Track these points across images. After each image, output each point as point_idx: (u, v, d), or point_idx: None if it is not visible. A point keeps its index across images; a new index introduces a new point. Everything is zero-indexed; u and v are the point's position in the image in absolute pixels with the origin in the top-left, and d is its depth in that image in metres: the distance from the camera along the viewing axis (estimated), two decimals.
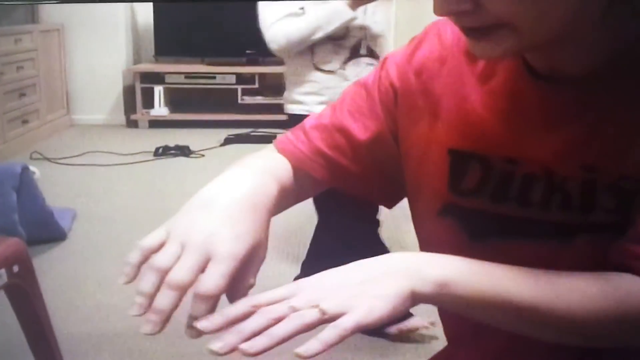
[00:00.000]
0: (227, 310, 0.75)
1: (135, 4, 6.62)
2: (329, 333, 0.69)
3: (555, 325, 0.80)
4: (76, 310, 2.76)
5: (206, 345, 0.69)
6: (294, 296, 0.74)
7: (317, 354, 0.68)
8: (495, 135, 0.92)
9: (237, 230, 0.81)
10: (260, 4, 2.60)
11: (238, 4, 6.32)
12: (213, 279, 0.76)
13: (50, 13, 6.31)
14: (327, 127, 1.04)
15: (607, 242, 0.84)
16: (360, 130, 1.03)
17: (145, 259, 0.80)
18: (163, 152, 5.26)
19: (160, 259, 0.78)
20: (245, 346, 0.69)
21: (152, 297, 0.75)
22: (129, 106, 6.52)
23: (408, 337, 2.52)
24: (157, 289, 0.76)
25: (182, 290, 0.75)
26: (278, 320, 0.71)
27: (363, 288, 0.74)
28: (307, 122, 1.07)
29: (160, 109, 6.32)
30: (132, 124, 6.45)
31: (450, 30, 0.99)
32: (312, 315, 0.71)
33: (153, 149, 5.32)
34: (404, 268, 0.78)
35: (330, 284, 0.76)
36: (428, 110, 0.99)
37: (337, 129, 1.04)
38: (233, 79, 6.24)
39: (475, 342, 1.02)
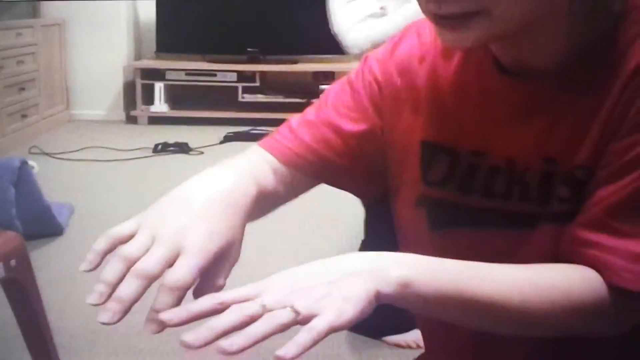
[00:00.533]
0: (192, 305, 0.73)
1: (138, 0, 6.61)
2: (304, 336, 0.69)
3: (513, 319, 0.81)
4: (71, 305, 2.75)
5: (180, 338, 0.67)
6: (262, 294, 0.73)
7: (295, 357, 0.67)
8: (463, 128, 0.95)
9: (211, 227, 0.80)
10: (333, 7, 2.43)
11: (241, 1, 6.33)
12: (181, 271, 0.75)
13: (51, 8, 6.30)
14: (314, 122, 1.04)
15: (563, 233, 0.86)
16: (348, 124, 1.03)
17: (111, 247, 0.78)
18: (162, 148, 5.26)
19: (129, 249, 0.76)
20: (224, 344, 0.68)
21: (114, 286, 0.73)
22: (129, 102, 6.51)
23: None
24: (121, 278, 0.74)
25: (148, 280, 0.74)
26: (251, 318, 0.70)
27: (331, 289, 0.73)
28: (292, 121, 1.06)
29: (160, 106, 6.31)
30: (131, 120, 6.44)
31: (429, 30, 1.02)
32: (286, 316, 0.70)
33: (152, 146, 5.31)
34: (368, 269, 0.77)
35: (299, 284, 0.74)
36: (410, 103, 1.01)
37: (324, 124, 1.03)
38: (234, 76, 6.22)
39: (445, 333, 1.02)
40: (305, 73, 6.43)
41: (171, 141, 5.36)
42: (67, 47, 6.39)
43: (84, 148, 5.32)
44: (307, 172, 1.03)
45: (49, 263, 3.12)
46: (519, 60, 0.90)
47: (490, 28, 0.81)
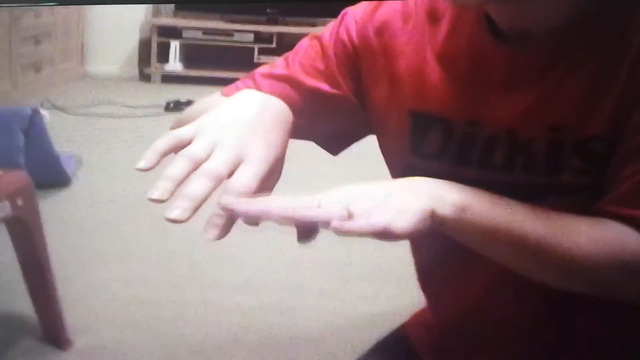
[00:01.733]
0: (257, 201, 0.73)
1: None
2: (362, 220, 0.70)
3: (558, 265, 0.80)
4: (75, 254, 2.76)
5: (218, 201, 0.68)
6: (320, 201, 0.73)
7: (350, 232, 0.68)
8: (457, 98, 0.91)
9: (268, 139, 0.80)
10: None
11: None
12: (247, 177, 0.74)
13: None
14: (278, 77, 1.01)
15: (577, 204, 0.84)
16: (311, 83, 1.00)
17: (171, 149, 0.76)
18: (174, 106, 5.22)
19: (194, 149, 0.75)
20: (275, 212, 0.69)
21: (179, 184, 0.71)
22: (144, 60, 6.48)
23: None
24: (186, 177, 0.72)
25: (216, 182, 0.72)
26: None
27: (388, 200, 0.73)
28: (257, 71, 1.04)
29: (174, 64, 6.28)
30: (144, 77, 6.41)
31: None
32: (337, 210, 0.70)
33: (164, 104, 5.29)
34: (427, 189, 0.77)
35: (354, 195, 0.74)
36: (388, 70, 0.97)
37: (288, 81, 1.00)
38: (251, 37, 6.17)
39: (449, 295, 1.02)
40: None
41: (183, 99, 5.33)
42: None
43: (96, 104, 5.30)
44: None
45: (55, 212, 3.10)
46: (518, 23, 0.86)
47: None
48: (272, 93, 0.97)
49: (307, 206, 0.71)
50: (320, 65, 1.00)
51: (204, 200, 0.71)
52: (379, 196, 0.74)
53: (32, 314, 2.12)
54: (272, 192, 0.81)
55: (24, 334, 2.16)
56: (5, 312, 2.30)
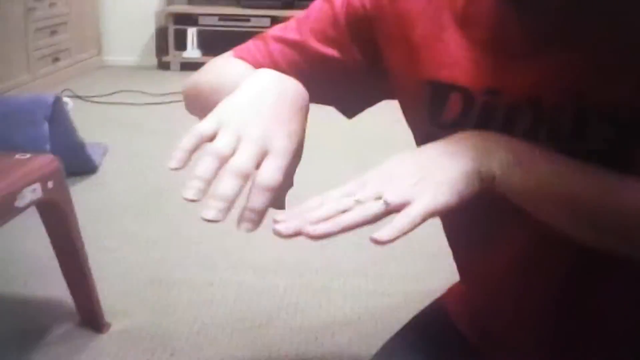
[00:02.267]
0: (302, 206, 0.75)
1: None
2: (401, 220, 0.70)
3: (609, 223, 0.78)
4: (106, 239, 2.76)
5: (272, 226, 0.71)
6: (359, 190, 0.74)
7: (391, 240, 0.69)
8: (476, 65, 0.89)
9: (289, 128, 0.80)
10: None
11: None
12: (272, 171, 0.74)
13: None
14: (289, 42, 1.00)
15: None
16: (322, 51, 0.99)
17: (197, 145, 0.77)
18: None
19: (219, 146, 0.75)
20: (309, 228, 0.70)
21: (210, 182, 0.73)
22: (161, 48, 6.47)
23: None
24: (215, 174, 0.74)
25: (245, 178, 0.73)
26: (343, 212, 0.72)
27: (426, 174, 0.73)
28: (269, 33, 1.03)
29: (192, 51, 6.27)
30: (163, 65, 6.40)
31: None
32: (376, 207, 0.71)
33: None
34: (471, 147, 0.76)
35: (394, 173, 0.75)
36: (404, 36, 0.95)
37: (299, 47, 0.99)
38: (268, 22, 6.14)
39: (481, 265, 1.00)
40: None
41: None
42: None
43: (116, 92, 5.30)
44: None
45: (83, 199, 3.09)
46: None
47: None
48: (284, 60, 0.98)
49: (343, 205, 0.72)
50: (332, 32, 0.99)
51: (236, 198, 0.73)
52: (418, 171, 0.74)
53: (69, 299, 2.12)
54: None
55: (63, 319, 2.16)
56: (43, 298, 2.30)
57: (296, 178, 0.82)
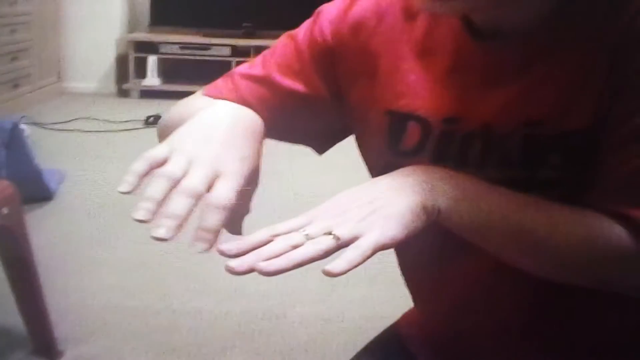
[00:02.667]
0: (250, 237, 0.74)
1: None
2: (352, 253, 0.70)
3: (550, 255, 0.81)
4: (62, 265, 2.73)
5: (225, 263, 0.71)
6: (309, 224, 0.75)
7: (343, 273, 0.69)
8: (434, 95, 0.91)
9: (241, 153, 0.81)
10: None
11: None
12: (225, 191, 0.75)
13: None
14: (255, 77, 1.01)
15: (560, 199, 0.83)
16: (288, 85, 0.99)
17: (149, 170, 0.77)
18: (154, 120, 5.20)
19: (170, 169, 0.76)
20: (262, 264, 0.70)
21: (160, 204, 0.73)
22: (121, 75, 6.46)
23: None
24: (166, 196, 0.74)
25: (195, 198, 0.74)
26: (294, 247, 0.72)
27: (373, 208, 0.75)
28: (236, 70, 1.03)
29: (152, 79, 6.26)
30: (123, 93, 6.39)
31: None
32: (327, 242, 0.72)
33: (144, 118, 5.26)
34: (417, 181, 0.77)
35: (343, 208, 0.76)
36: (365, 70, 0.97)
37: (266, 82, 1.00)
38: (228, 50, 6.19)
39: (435, 291, 1.01)
40: None
41: (162, 114, 5.30)
42: (62, 18, 6.32)
43: (75, 119, 5.27)
44: None
45: (39, 226, 3.08)
46: (496, 24, 0.86)
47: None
48: (250, 95, 0.98)
49: (295, 241, 0.73)
50: (296, 66, 1.00)
51: (187, 217, 0.73)
52: (366, 205, 0.75)
53: (22, 326, 2.09)
54: (252, 200, 0.84)
55: (15, 346, 2.14)
56: None
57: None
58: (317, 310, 2.48)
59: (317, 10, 1.03)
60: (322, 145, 1.08)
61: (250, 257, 0.71)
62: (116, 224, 3.18)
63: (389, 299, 2.44)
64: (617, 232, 0.79)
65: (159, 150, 0.79)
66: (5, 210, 1.78)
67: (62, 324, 2.16)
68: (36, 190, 3.38)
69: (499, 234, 0.80)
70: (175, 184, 0.75)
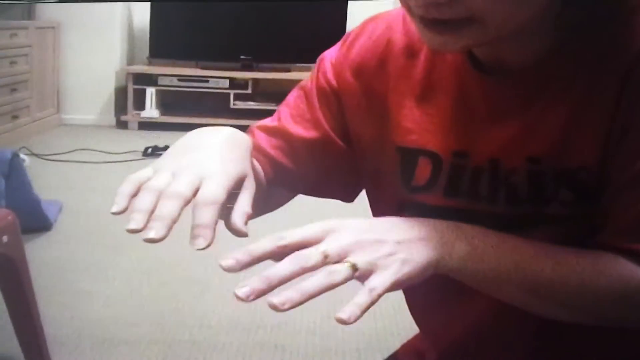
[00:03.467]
0: (253, 247, 0.72)
1: (133, 5, 6.60)
2: (364, 298, 0.70)
3: (562, 301, 0.82)
4: (59, 296, 2.74)
5: (234, 290, 0.68)
6: (326, 238, 0.74)
7: (356, 320, 0.69)
8: (443, 130, 0.91)
9: (224, 156, 0.81)
10: None
11: (235, 7, 6.33)
12: (211, 188, 0.75)
13: (46, 10, 6.28)
14: (271, 129, 1.03)
15: (571, 235, 0.84)
16: (301, 134, 1.01)
17: (136, 190, 0.77)
18: (152, 152, 5.23)
19: (155, 182, 0.76)
20: (276, 301, 0.68)
21: (149, 213, 0.73)
22: (120, 107, 6.49)
23: None
24: (154, 206, 0.74)
25: (183, 200, 0.73)
26: (310, 269, 0.71)
27: (396, 249, 0.74)
28: (255, 125, 1.06)
29: (151, 111, 6.29)
30: (121, 125, 6.42)
31: (384, 27, 0.99)
32: (344, 273, 0.71)
33: (142, 149, 5.28)
34: (438, 237, 0.78)
35: (366, 236, 0.75)
36: (371, 110, 0.98)
37: (280, 132, 1.02)
38: (226, 83, 6.23)
39: (441, 324, 1.02)
40: (297, 81, 6.29)
41: (161, 145, 5.33)
42: (61, 50, 6.37)
43: (74, 150, 5.29)
44: (263, 169, 1.01)
45: (37, 256, 3.08)
46: (499, 59, 0.87)
47: (484, 34, 0.78)
48: (270, 146, 1.00)
49: (311, 262, 0.71)
50: (307, 114, 1.02)
51: (175, 218, 0.72)
52: (389, 244, 0.75)
53: (21, 356, 2.08)
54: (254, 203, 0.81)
55: None
56: None
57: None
58: (313, 342, 2.47)
59: (319, 58, 1.05)
60: (348, 193, 1.08)
61: (259, 283, 0.69)
62: (114, 255, 3.18)
63: (386, 330, 2.45)
64: (629, 268, 0.80)
65: (143, 172, 0.80)
66: (5, 239, 1.79)
67: (60, 354, 2.16)
68: (35, 221, 3.39)
69: (509, 287, 0.81)
70: (160, 194, 0.75)
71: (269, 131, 1.03)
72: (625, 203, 0.81)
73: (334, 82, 1.01)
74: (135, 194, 0.77)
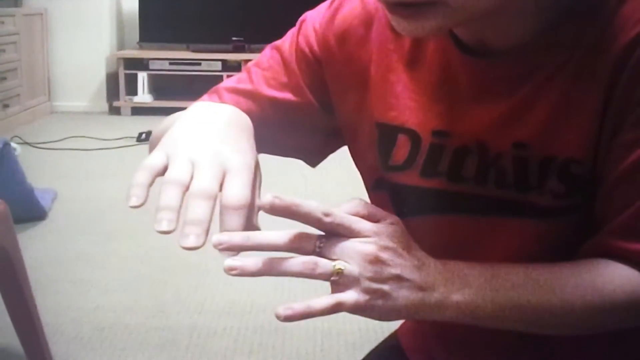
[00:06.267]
0: (300, 203, 0.72)
1: None
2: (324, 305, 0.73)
3: (567, 322, 0.80)
4: (56, 285, 2.72)
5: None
6: (376, 237, 0.74)
7: (294, 321, 0.72)
8: (422, 107, 0.88)
9: (239, 146, 0.77)
10: None
11: None
12: (238, 189, 0.71)
13: None
14: (243, 91, 0.98)
15: (568, 229, 0.82)
16: (276, 96, 0.97)
17: (152, 180, 0.72)
18: (146, 137, 5.19)
19: (176, 174, 0.71)
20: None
21: (178, 210, 0.69)
22: (112, 93, 6.45)
23: None
24: (181, 202, 0.70)
25: (212, 199, 0.69)
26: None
27: (389, 291, 0.74)
28: (223, 84, 1.01)
29: (143, 96, 6.26)
30: (114, 111, 6.39)
31: None
32: (325, 270, 0.73)
33: (136, 135, 5.25)
34: (439, 279, 0.76)
35: (377, 255, 0.74)
36: (354, 80, 0.94)
37: (253, 95, 0.98)
38: (219, 65, 6.20)
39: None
40: None
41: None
42: (49, 37, 6.32)
43: (67, 138, 5.26)
44: None
45: (32, 245, 3.06)
46: (481, 41, 0.83)
47: (450, 17, 0.74)
48: (239, 108, 0.94)
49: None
50: (284, 78, 0.97)
51: (209, 220, 0.69)
52: (392, 277, 0.74)
53: (18, 345, 2.06)
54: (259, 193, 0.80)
55: None
56: None
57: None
58: (314, 324, 2.45)
59: (301, 19, 1.00)
60: (314, 158, 1.06)
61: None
62: (110, 243, 3.16)
63: None
64: (627, 276, 0.79)
65: (156, 158, 0.75)
66: None
67: (58, 343, 2.15)
68: (29, 210, 3.37)
69: (509, 321, 0.79)
70: (185, 188, 0.70)
71: (241, 93, 0.98)
72: (619, 198, 0.79)
73: (316, 49, 0.96)
74: (151, 183, 0.72)
